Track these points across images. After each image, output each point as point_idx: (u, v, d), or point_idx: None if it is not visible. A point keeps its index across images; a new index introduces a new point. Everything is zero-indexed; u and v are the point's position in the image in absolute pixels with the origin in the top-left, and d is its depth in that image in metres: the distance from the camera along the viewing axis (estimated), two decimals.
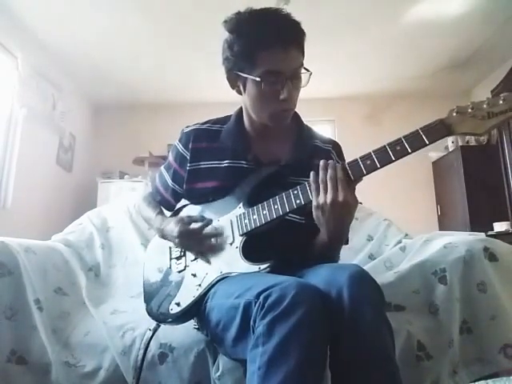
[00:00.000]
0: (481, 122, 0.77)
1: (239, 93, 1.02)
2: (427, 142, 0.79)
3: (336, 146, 1.13)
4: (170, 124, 4.67)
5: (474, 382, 0.92)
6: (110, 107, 4.87)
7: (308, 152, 1.06)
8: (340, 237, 0.93)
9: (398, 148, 0.80)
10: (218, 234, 0.98)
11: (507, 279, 1.05)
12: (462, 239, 1.12)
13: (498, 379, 0.77)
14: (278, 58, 0.91)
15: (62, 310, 1.19)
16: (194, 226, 0.98)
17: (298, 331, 0.67)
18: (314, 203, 0.85)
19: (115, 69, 4.13)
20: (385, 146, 0.82)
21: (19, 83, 3.34)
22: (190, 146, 1.07)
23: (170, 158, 1.14)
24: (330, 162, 0.87)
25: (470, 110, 0.78)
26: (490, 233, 3.37)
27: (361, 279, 0.77)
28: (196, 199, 1.09)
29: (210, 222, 1.00)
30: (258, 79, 0.92)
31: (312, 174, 0.86)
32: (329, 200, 0.82)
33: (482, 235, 1.14)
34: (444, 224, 4.28)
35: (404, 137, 0.81)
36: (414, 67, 4.16)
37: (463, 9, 3.23)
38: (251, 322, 0.73)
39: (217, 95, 4.53)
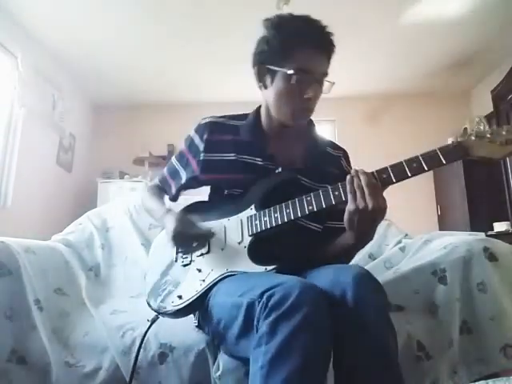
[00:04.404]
0: (499, 148, 0.78)
1: (265, 87, 1.04)
2: (444, 162, 0.80)
3: (345, 154, 1.17)
4: (170, 124, 4.68)
5: (474, 382, 0.91)
6: (110, 107, 4.87)
7: (321, 158, 1.09)
8: (367, 241, 0.94)
9: (415, 165, 0.82)
10: (224, 235, 0.99)
11: (507, 279, 1.05)
12: (462, 239, 1.12)
13: (498, 379, 0.77)
14: (310, 59, 0.96)
15: (61, 310, 1.19)
16: (192, 230, 0.99)
17: (301, 331, 0.68)
18: (352, 207, 0.83)
19: (115, 69, 4.13)
20: (401, 162, 0.83)
21: (19, 83, 3.34)
22: (205, 137, 1.09)
23: (184, 147, 1.16)
24: (361, 169, 0.87)
25: (488, 136, 0.79)
26: (489, 233, 3.37)
27: (365, 280, 0.77)
28: (210, 189, 1.12)
29: (210, 233, 1.01)
30: (290, 71, 0.95)
31: (349, 177, 0.86)
32: (370, 205, 0.82)
33: (482, 235, 1.14)
34: (444, 224, 4.28)
35: (421, 155, 0.82)
36: (414, 67, 4.16)
37: (463, 9, 3.23)
38: (254, 322, 0.73)
39: (217, 95, 4.55)
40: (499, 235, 3.30)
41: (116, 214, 1.72)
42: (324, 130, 4.71)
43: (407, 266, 1.14)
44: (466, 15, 3.30)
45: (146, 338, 0.99)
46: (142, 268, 1.30)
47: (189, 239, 0.99)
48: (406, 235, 1.53)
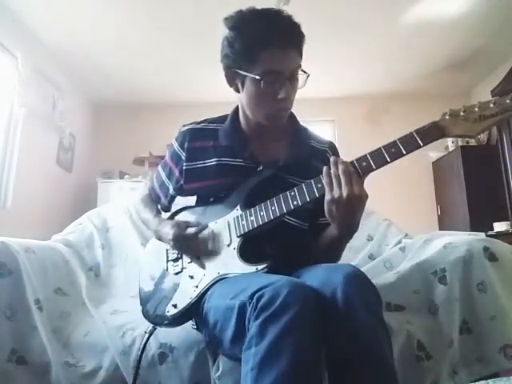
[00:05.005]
0: (473, 125, 0.79)
1: (237, 91, 1.01)
2: (421, 144, 0.80)
3: (331, 146, 1.13)
4: (170, 124, 4.66)
5: (474, 382, 0.91)
6: (109, 107, 4.87)
7: (305, 152, 1.07)
8: (351, 231, 0.92)
9: (393, 150, 0.82)
10: (213, 239, 0.98)
11: (507, 279, 1.05)
12: (462, 239, 1.12)
13: (498, 379, 0.77)
14: (277, 58, 0.92)
15: (62, 310, 1.19)
16: (190, 230, 0.98)
17: (290, 331, 0.67)
18: (329, 197, 0.83)
19: (115, 69, 4.13)
20: (380, 148, 0.83)
21: (19, 83, 3.33)
22: (185, 146, 1.08)
23: (167, 156, 1.16)
24: (340, 158, 0.87)
25: (462, 113, 0.80)
26: (489, 233, 3.37)
27: (356, 279, 0.77)
28: (195, 198, 1.10)
29: (205, 227, 1.00)
30: (257, 77, 0.92)
31: (325, 168, 0.86)
32: (345, 193, 0.81)
33: (482, 235, 1.15)
34: (444, 224, 4.28)
35: (399, 139, 0.82)
36: (414, 67, 4.16)
37: (463, 9, 3.23)
38: (246, 323, 0.73)
39: (217, 95, 4.53)
40: (499, 235, 3.30)
41: (116, 213, 1.72)
42: (324, 130, 4.71)
43: (407, 266, 1.13)
44: (466, 15, 3.30)
45: (142, 342, 0.99)
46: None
47: (189, 240, 0.99)
48: (406, 235, 1.54)
